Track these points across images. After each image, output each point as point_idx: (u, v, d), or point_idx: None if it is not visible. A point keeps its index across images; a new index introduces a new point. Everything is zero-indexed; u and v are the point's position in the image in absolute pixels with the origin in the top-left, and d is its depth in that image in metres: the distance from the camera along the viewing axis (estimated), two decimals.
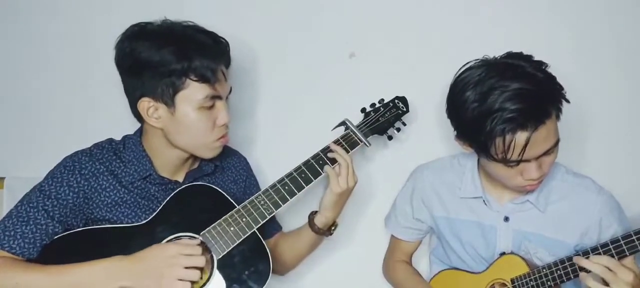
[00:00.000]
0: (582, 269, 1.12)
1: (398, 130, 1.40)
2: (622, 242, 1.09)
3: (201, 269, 1.10)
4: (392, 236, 1.49)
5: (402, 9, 1.47)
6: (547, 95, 1.09)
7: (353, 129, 1.29)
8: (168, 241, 1.13)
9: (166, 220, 1.15)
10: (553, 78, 1.12)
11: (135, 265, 1.07)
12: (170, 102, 1.13)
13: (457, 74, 1.17)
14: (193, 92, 1.12)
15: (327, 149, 1.26)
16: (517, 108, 1.06)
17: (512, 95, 1.06)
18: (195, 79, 1.12)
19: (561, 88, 1.12)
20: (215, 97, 1.15)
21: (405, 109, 1.38)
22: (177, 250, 1.07)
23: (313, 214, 1.29)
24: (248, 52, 1.51)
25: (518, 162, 1.10)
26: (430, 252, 1.47)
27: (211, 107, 1.16)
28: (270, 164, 1.51)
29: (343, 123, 1.31)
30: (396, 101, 1.38)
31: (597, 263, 1.08)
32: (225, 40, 1.20)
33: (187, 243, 1.10)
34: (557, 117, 1.12)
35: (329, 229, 1.30)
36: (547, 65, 1.13)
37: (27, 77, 1.58)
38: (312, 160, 1.24)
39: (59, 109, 1.58)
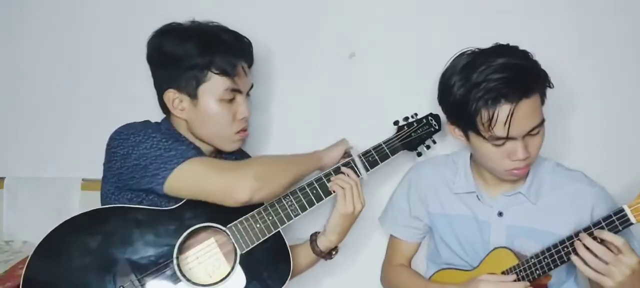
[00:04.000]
0: (575, 253, 1.13)
1: (428, 147, 1.41)
2: (603, 223, 1.11)
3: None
4: (391, 239, 1.48)
5: (403, 8, 1.48)
6: (532, 71, 1.14)
7: (355, 157, 1.28)
8: (184, 239, 1.12)
9: (195, 207, 1.16)
10: (537, 63, 1.17)
11: None
12: (193, 94, 1.18)
13: (446, 63, 1.22)
14: (214, 85, 1.18)
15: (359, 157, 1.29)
16: (500, 77, 1.10)
17: (497, 68, 1.11)
18: (216, 72, 1.18)
19: (546, 74, 1.17)
20: (236, 91, 1.21)
21: (437, 127, 1.39)
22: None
23: (315, 235, 1.29)
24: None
25: (505, 139, 1.13)
26: (427, 257, 1.47)
27: (232, 100, 1.21)
28: None
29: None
30: (430, 118, 1.39)
31: (599, 245, 1.09)
32: (248, 40, 1.26)
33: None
34: (542, 100, 1.17)
35: (329, 253, 1.30)
36: (532, 55, 1.18)
37: (27, 77, 1.58)
38: (351, 162, 1.26)
39: (59, 109, 1.58)
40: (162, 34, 1.21)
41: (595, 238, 1.11)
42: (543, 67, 1.18)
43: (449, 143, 1.47)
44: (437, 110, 1.29)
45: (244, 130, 1.25)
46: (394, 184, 1.50)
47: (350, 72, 1.51)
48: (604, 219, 1.11)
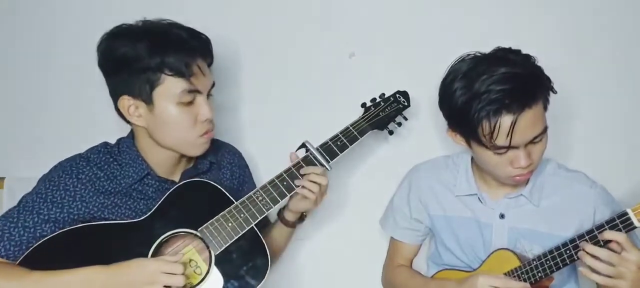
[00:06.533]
0: (577, 258, 1.12)
1: (399, 124, 1.38)
2: (606, 227, 1.10)
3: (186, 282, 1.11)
4: (391, 241, 1.47)
5: (403, 8, 1.47)
6: (534, 80, 1.12)
7: (313, 151, 1.24)
8: (155, 249, 1.13)
9: (165, 215, 1.15)
10: (540, 69, 1.15)
11: (114, 277, 1.06)
12: (148, 99, 1.12)
13: (448, 67, 1.20)
14: (169, 87, 1.11)
15: (325, 144, 1.25)
16: (502, 89, 1.08)
17: (499, 78, 1.09)
18: (170, 73, 1.10)
19: (548, 79, 1.15)
20: (194, 91, 1.13)
21: (406, 103, 1.36)
22: (157, 267, 1.06)
23: (281, 212, 1.31)
24: (248, 52, 1.51)
25: (507, 148, 1.12)
26: (428, 257, 1.46)
27: (191, 103, 1.14)
28: (269, 164, 1.49)
29: (303, 145, 1.26)
30: (397, 95, 1.36)
31: (601, 249, 1.08)
32: (205, 36, 1.18)
33: (168, 260, 1.09)
34: (545, 107, 1.14)
35: (300, 218, 1.32)
36: (535, 59, 1.15)
37: (27, 77, 1.58)
38: (310, 156, 1.24)
39: (59, 109, 1.58)
40: (111, 37, 1.14)
41: (597, 241, 1.09)
42: (545, 69, 1.16)
43: (423, 121, 1.47)
44: (437, 110, 1.28)
45: (208, 132, 1.18)
46: (366, 167, 1.52)
47: (350, 72, 1.51)
48: (608, 222, 1.09)
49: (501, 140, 1.11)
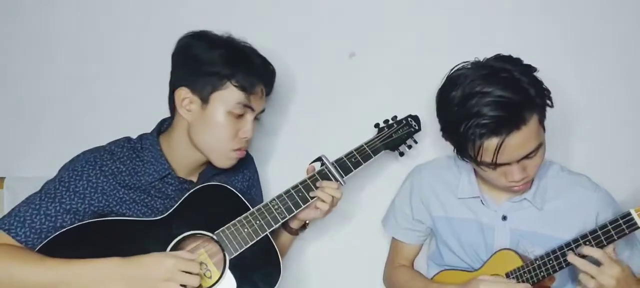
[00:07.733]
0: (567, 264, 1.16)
1: (410, 147, 1.42)
2: (599, 232, 1.13)
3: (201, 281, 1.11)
4: (393, 241, 1.48)
5: (403, 9, 1.47)
6: (527, 102, 1.10)
7: (329, 165, 1.27)
8: (171, 249, 1.14)
9: (182, 216, 1.16)
10: (538, 83, 1.14)
11: (131, 270, 1.06)
12: (206, 98, 1.18)
13: (447, 75, 1.20)
14: (229, 94, 1.18)
15: (340, 160, 1.28)
16: (491, 115, 1.08)
17: (490, 102, 1.09)
18: (235, 84, 1.18)
19: (547, 93, 1.14)
20: (247, 107, 1.20)
21: (417, 128, 1.41)
22: (175, 263, 1.07)
23: (287, 222, 1.31)
24: None
25: (495, 165, 1.12)
26: (428, 257, 1.47)
27: (240, 116, 1.20)
28: (271, 167, 1.53)
29: (319, 159, 1.29)
30: (409, 119, 1.41)
31: (582, 260, 1.11)
32: (273, 68, 1.27)
33: (185, 258, 1.09)
34: (540, 122, 1.14)
35: (303, 226, 1.33)
36: (535, 69, 1.15)
37: (27, 77, 1.58)
38: (325, 170, 1.26)
39: (59, 109, 1.58)
40: (195, 36, 1.22)
41: (600, 241, 1.12)
42: (547, 72, 1.15)
43: (430, 144, 1.48)
44: (434, 110, 1.27)
45: (241, 149, 1.23)
46: (376, 183, 1.54)
47: (350, 72, 1.51)
48: (611, 223, 1.11)
49: (487, 160, 1.12)
